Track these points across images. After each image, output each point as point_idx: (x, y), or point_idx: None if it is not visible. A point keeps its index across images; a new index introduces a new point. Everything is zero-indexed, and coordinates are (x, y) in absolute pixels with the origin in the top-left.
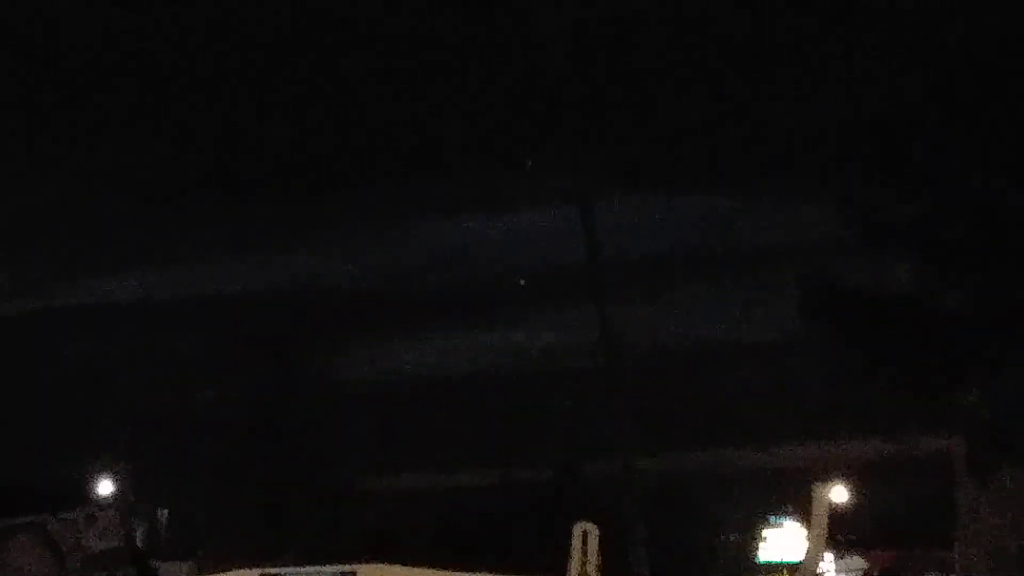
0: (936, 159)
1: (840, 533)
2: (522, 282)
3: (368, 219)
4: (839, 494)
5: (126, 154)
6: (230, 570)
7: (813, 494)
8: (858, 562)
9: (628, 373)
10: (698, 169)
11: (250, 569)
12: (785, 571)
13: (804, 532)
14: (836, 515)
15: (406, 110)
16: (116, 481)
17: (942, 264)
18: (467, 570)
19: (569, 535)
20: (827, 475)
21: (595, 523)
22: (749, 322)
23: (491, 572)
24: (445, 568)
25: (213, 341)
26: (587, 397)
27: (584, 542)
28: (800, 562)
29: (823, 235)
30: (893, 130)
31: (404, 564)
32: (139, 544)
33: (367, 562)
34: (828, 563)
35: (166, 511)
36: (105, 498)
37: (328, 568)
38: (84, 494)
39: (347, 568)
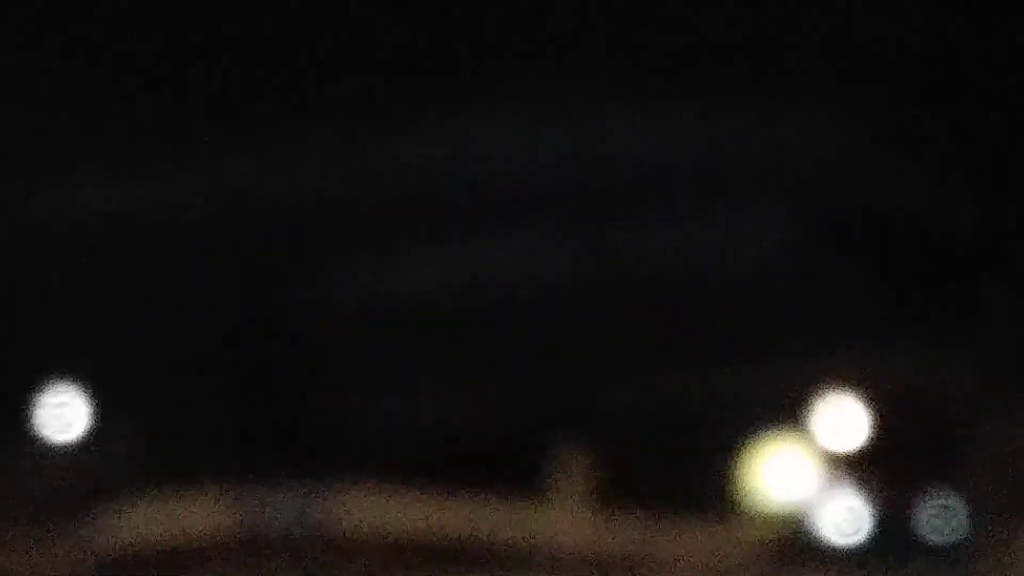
0: (958, 72)
1: (848, 460)
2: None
3: (351, 131)
4: (848, 420)
5: (97, 64)
6: (197, 495)
7: (816, 421)
8: (865, 490)
9: (623, 294)
10: (700, 79)
11: (221, 493)
12: (783, 506)
13: (808, 460)
14: (844, 442)
15: (402, 10)
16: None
17: (959, 179)
18: (455, 493)
19: (558, 462)
20: (835, 401)
21: (585, 450)
22: (754, 241)
23: (475, 499)
24: (426, 493)
25: (182, 258)
26: (579, 319)
27: (574, 468)
28: (801, 493)
29: (830, 149)
30: (912, 45)
31: (386, 485)
32: (104, 473)
33: (344, 488)
34: (833, 491)
35: (130, 434)
36: (68, 425)
37: (300, 491)
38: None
39: (320, 490)
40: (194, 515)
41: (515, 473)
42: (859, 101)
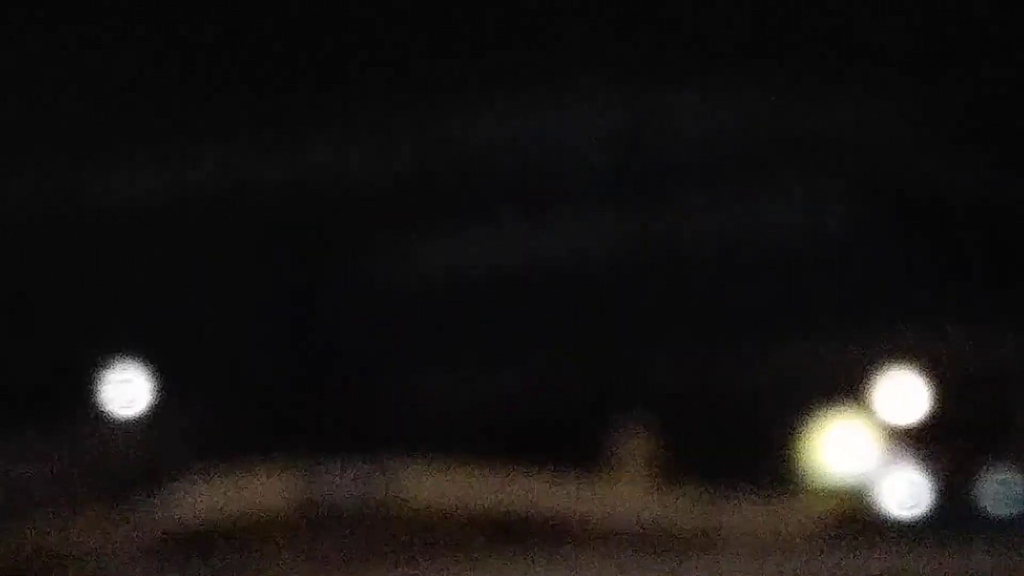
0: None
1: (908, 434)
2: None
3: (406, 110)
4: (908, 395)
5: (143, 41)
6: (263, 472)
7: (878, 394)
8: (926, 464)
9: (683, 268)
10: (756, 58)
11: (285, 470)
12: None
13: (870, 434)
14: (904, 416)
15: None
16: (145, 381)
17: (1018, 158)
18: (511, 473)
19: (620, 438)
20: (895, 375)
21: (646, 425)
22: (812, 215)
23: (536, 475)
24: (486, 467)
25: (246, 234)
26: (639, 294)
27: (636, 444)
28: (863, 467)
29: (887, 128)
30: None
31: (448, 460)
32: (166, 450)
33: (407, 464)
34: (894, 466)
35: (195, 411)
36: (133, 399)
37: (365, 468)
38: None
39: (386, 470)
40: (258, 490)
41: (576, 449)
42: (917, 81)
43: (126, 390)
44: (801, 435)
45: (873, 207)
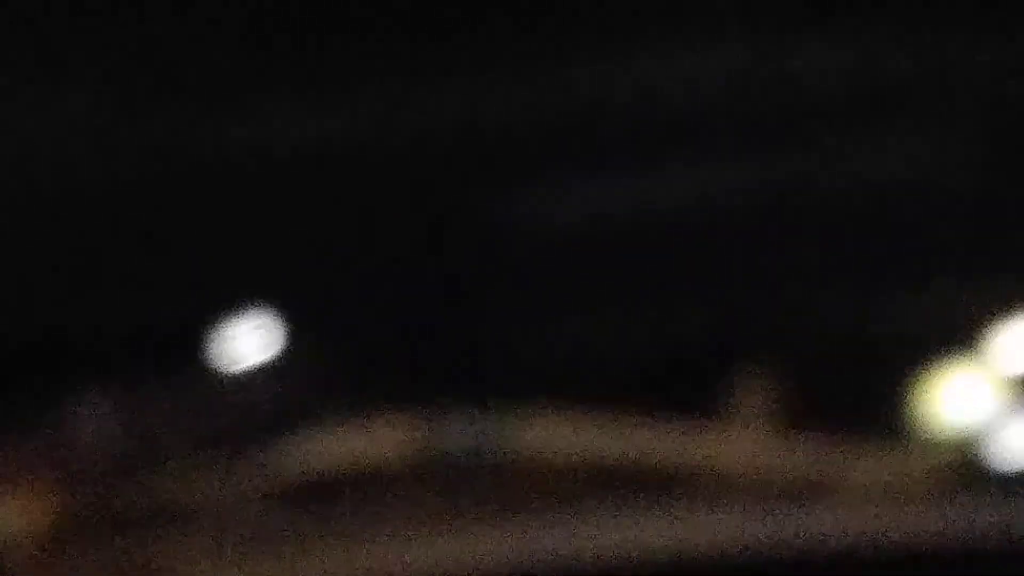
0: None
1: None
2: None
3: (523, 58)
4: (1020, 339)
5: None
6: (382, 421)
7: (999, 344)
8: None
9: (800, 216)
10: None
11: (403, 420)
12: (965, 429)
13: (991, 384)
14: (1017, 361)
15: None
16: (267, 331)
17: None
18: (628, 420)
19: (738, 385)
20: (1009, 319)
21: (765, 372)
22: (931, 162)
23: (656, 422)
24: (606, 417)
25: (371, 186)
26: (758, 241)
27: (755, 391)
28: (982, 419)
29: (1001, 67)
30: None
31: (567, 410)
32: (290, 395)
33: (526, 412)
34: (1016, 417)
35: (318, 361)
36: (251, 350)
37: (484, 419)
38: (231, 344)
39: (504, 419)
40: (380, 439)
41: (697, 396)
42: None
43: (251, 339)
44: (921, 385)
45: (997, 153)
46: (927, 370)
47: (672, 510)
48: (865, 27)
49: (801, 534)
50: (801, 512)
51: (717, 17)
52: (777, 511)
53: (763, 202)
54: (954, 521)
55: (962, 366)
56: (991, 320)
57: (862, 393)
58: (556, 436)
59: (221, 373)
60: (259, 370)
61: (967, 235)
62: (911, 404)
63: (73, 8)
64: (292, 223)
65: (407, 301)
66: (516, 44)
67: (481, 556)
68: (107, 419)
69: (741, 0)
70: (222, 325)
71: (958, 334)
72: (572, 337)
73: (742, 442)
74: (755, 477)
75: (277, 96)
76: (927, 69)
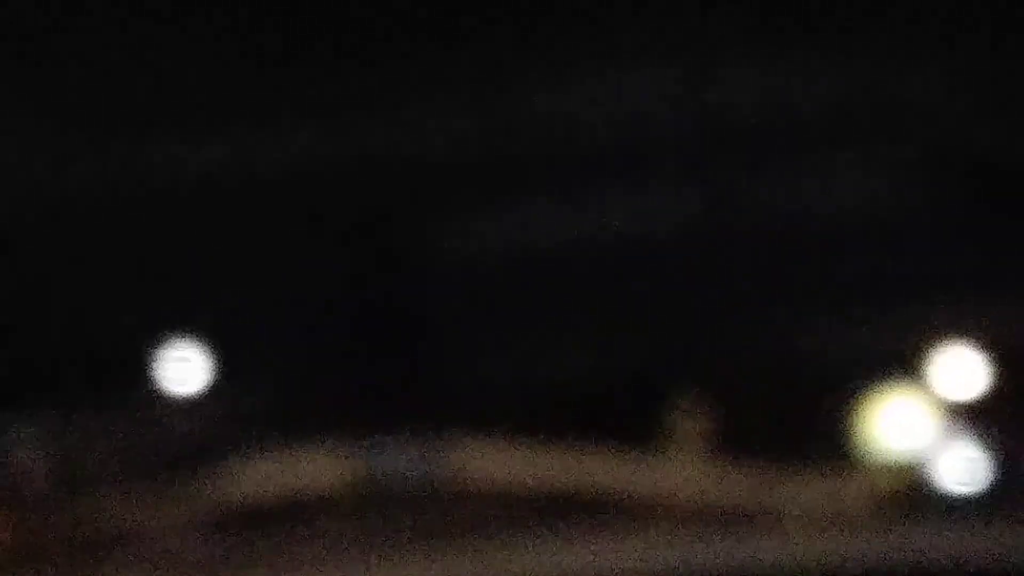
0: None
1: (967, 411)
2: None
3: (466, 85)
4: (967, 370)
5: (200, 17)
6: (318, 450)
7: (936, 370)
8: (984, 441)
9: (739, 244)
10: (818, 26)
11: (339, 449)
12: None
13: (928, 410)
14: (963, 392)
15: None
16: (204, 359)
17: None
18: (566, 449)
19: (675, 414)
20: (954, 350)
21: (702, 402)
22: (871, 190)
23: (591, 452)
24: (543, 444)
25: (304, 214)
26: (695, 270)
27: (692, 421)
28: (919, 444)
29: (944, 101)
30: None
31: (502, 437)
32: (226, 423)
33: (462, 441)
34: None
35: (253, 390)
36: (192, 377)
37: (421, 448)
38: (169, 372)
39: (441, 447)
40: (314, 468)
41: (631, 424)
42: (982, 47)
43: (183, 368)
44: (859, 411)
45: (936, 179)
46: (864, 398)
47: (609, 536)
48: (800, 57)
49: (737, 561)
50: (738, 539)
51: (655, 49)
52: (714, 538)
53: (701, 231)
54: (893, 547)
55: (899, 393)
56: (927, 347)
57: (799, 421)
58: (492, 463)
59: (159, 401)
60: (195, 399)
61: (901, 264)
62: (848, 431)
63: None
64: (224, 253)
65: (342, 330)
66: (459, 76)
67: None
68: (45, 447)
69: (679, 32)
70: (160, 354)
71: (895, 361)
72: (509, 366)
73: (679, 469)
74: (692, 504)
75: (225, 126)
76: (863, 98)
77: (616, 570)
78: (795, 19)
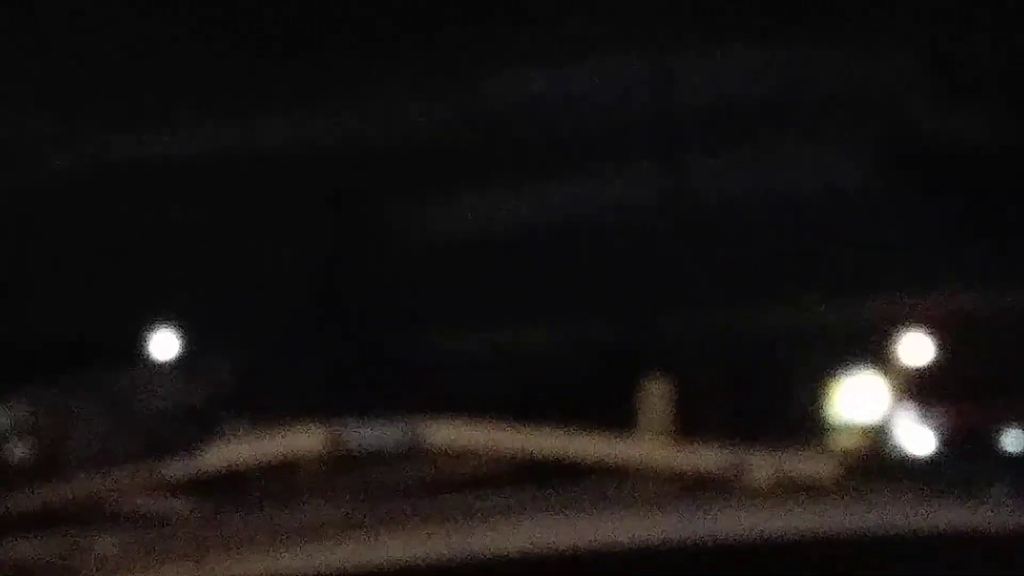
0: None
1: (922, 387)
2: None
3: (432, 71)
4: (919, 349)
5: (179, 6)
6: (294, 427)
7: (892, 349)
8: (937, 417)
9: (702, 226)
10: (776, 15)
11: (314, 426)
12: (862, 428)
13: (882, 388)
14: (915, 370)
15: None
16: (178, 338)
17: None
18: (536, 427)
19: (641, 392)
20: (906, 330)
21: (667, 379)
22: (828, 173)
23: (560, 429)
24: (512, 425)
25: (277, 197)
26: (659, 251)
27: (656, 399)
28: (877, 419)
29: (905, 84)
30: None
31: (470, 420)
32: (201, 402)
33: (434, 418)
34: (909, 416)
35: (228, 369)
36: (167, 355)
37: (392, 425)
38: (146, 350)
39: (411, 424)
40: (290, 442)
41: (600, 401)
42: (940, 36)
43: (160, 346)
44: (822, 386)
45: (892, 164)
46: (827, 374)
47: (582, 510)
48: (763, 45)
49: (706, 532)
50: (706, 511)
51: (620, 38)
52: (684, 510)
53: (666, 214)
54: (853, 518)
55: (860, 369)
56: (886, 325)
57: (764, 396)
58: (463, 439)
59: (135, 378)
60: (170, 375)
61: (864, 245)
62: (812, 405)
63: None
64: (201, 236)
65: (318, 312)
66: (429, 64)
67: (390, 554)
68: (24, 427)
69: (644, 21)
70: (137, 333)
71: (856, 338)
72: (479, 345)
73: (648, 444)
74: (661, 478)
75: (193, 111)
76: (825, 85)
77: (590, 542)
78: (759, 8)
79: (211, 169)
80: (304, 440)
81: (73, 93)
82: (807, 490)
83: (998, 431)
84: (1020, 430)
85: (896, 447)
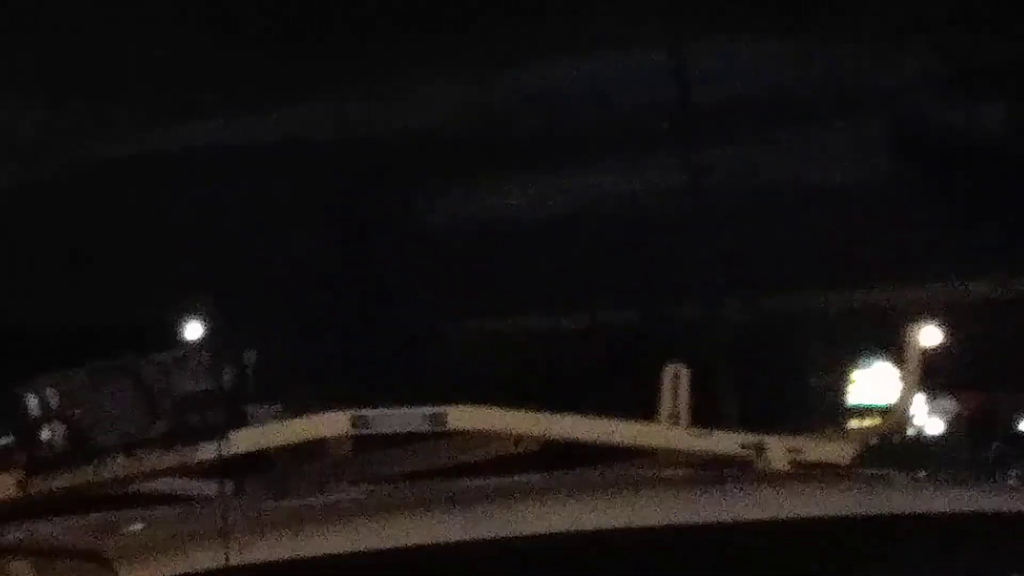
0: None
1: (931, 375)
2: (664, 125)
3: (453, 62)
4: (931, 336)
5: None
6: (319, 413)
7: (905, 336)
8: (949, 404)
9: (721, 215)
10: (790, 9)
11: (340, 411)
12: (875, 413)
13: (895, 374)
14: (928, 357)
15: None
16: (205, 324)
17: None
18: (556, 412)
19: (659, 378)
20: (919, 317)
21: (686, 366)
22: (840, 165)
23: (581, 414)
24: (534, 410)
25: (299, 186)
26: (676, 241)
27: (675, 384)
28: (891, 405)
29: (916, 78)
30: None
31: (492, 405)
32: (227, 387)
33: (456, 403)
34: (919, 405)
35: (254, 354)
36: (194, 341)
37: (418, 410)
38: (174, 336)
39: (438, 410)
40: (312, 431)
41: (621, 390)
42: (951, 31)
43: (189, 333)
44: (836, 375)
45: (907, 163)
46: (842, 360)
47: (597, 495)
48: (775, 38)
49: (722, 515)
50: (722, 496)
51: (629, 25)
52: (697, 493)
53: (682, 205)
54: (864, 502)
55: (874, 356)
56: (903, 312)
57: (779, 382)
58: (485, 424)
59: (164, 363)
60: (198, 361)
61: (871, 235)
62: (826, 392)
63: None
64: (228, 224)
65: (337, 300)
66: (444, 56)
67: (414, 536)
68: (55, 406)
69: (658, 12)
70: (165, 319)
71: (871, 326)
72: (501, 333)
73: (663, 430)
74: (675, 462)
75: (206, 102)
76: (835, 76)
77: (611, 525)
78: (771, 1)
79: (233, 161)
80: (329, 424)
81: (84, 87)
82: (823, 474)
83: (1011, 417)
84: None
85: (911, 432)
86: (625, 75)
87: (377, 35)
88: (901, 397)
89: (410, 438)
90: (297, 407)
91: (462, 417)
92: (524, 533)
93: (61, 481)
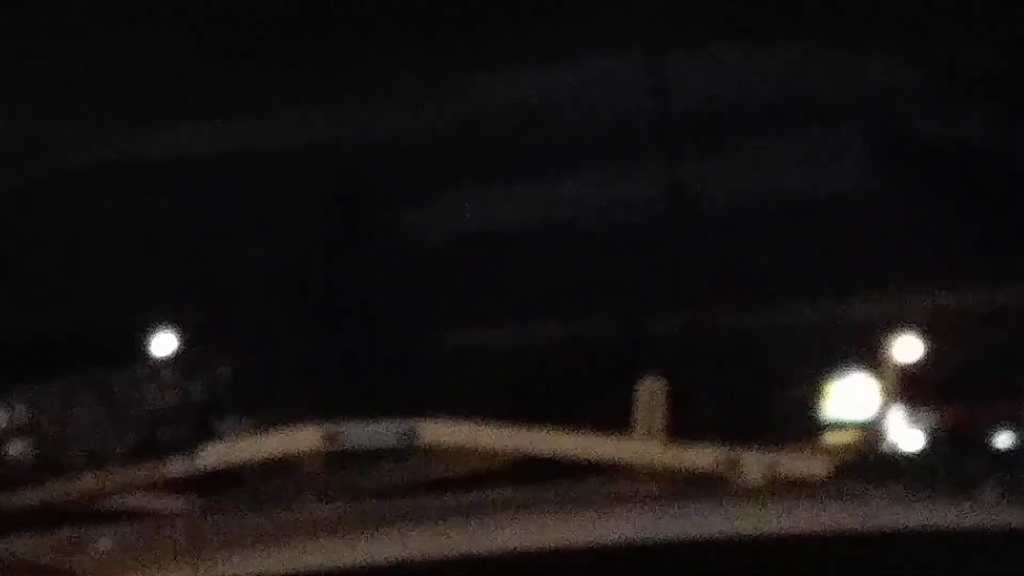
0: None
1: (911, 388)
2: (645, 138)
3: (429, 70)
4: (910, 349)
5: (190, 5)
6: (291, 427)
7: (881, 350)
8: (926, 418)
9: (697, 228)
10: (770, 18)
11: (312, 426)
12: (852, 428)
13: (875, 387)
14: (907, 370)
15: None
16: (176, 337)
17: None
18: (531, 426)
19: (636, 391)
20: (896, 331)
21: (662, 379)
22: (821, 175)
23: (556, 427)
24: (508, 424)
25: (275, 195)
26: (655, 253)
27: (651, 398)
28: (867, 419)
29: (897, 86)
30: None
31: (466, 420)
32: (198, 401)
33: (427, 418)
34: (898, 418)
35: (226, 368)
36: (165, 354)
37: (387, 425)
38: (144, 350)
39: (407, 424)
40: (287, 439)
41: (596, 403)
42: (936, 38)
43: (160, 345)
44: (816, 386)
45: (887, 166)
46: (819, 374)
47: (576, 509)
48: (757, 46)
49: (700, 531)
50: (699, 510)
51: (615, 33)
52: (673, 508)
53: (660, 215)
54: (844, 517)
55: (851, 370)
56: (879, 325)
57: (755, 396)
58: (459, 438)
59: (134, 376)
60: (169, 374)
61: (855, 245)
62: (806, 405)
63: None
64: (201, 234)
65: (316, 310)
66: (428, 65)
67: (387, 552)
68: (24, 419)
69: (639, 22)
70: (135, 330)
71: (847, 339)
72: (476, 346)
73: (642, 444)
74: (655, 477)
75: (192, 112)
76: (817, 85)
77: (585, 541)
78: (753, 9)
79: (208, 169)
80: (301, 439)
81: (76, 93)
82: (800, 489)
83: (989, 431)
84: (1011, 430)
85: (888, 447)
86: (611, 85)
87: (361, 47)
88: (877, 412)
89: (383, 453)
90: (270, 421)
91: (432, 432)
92: (498, 549)
93: (28, 497)
